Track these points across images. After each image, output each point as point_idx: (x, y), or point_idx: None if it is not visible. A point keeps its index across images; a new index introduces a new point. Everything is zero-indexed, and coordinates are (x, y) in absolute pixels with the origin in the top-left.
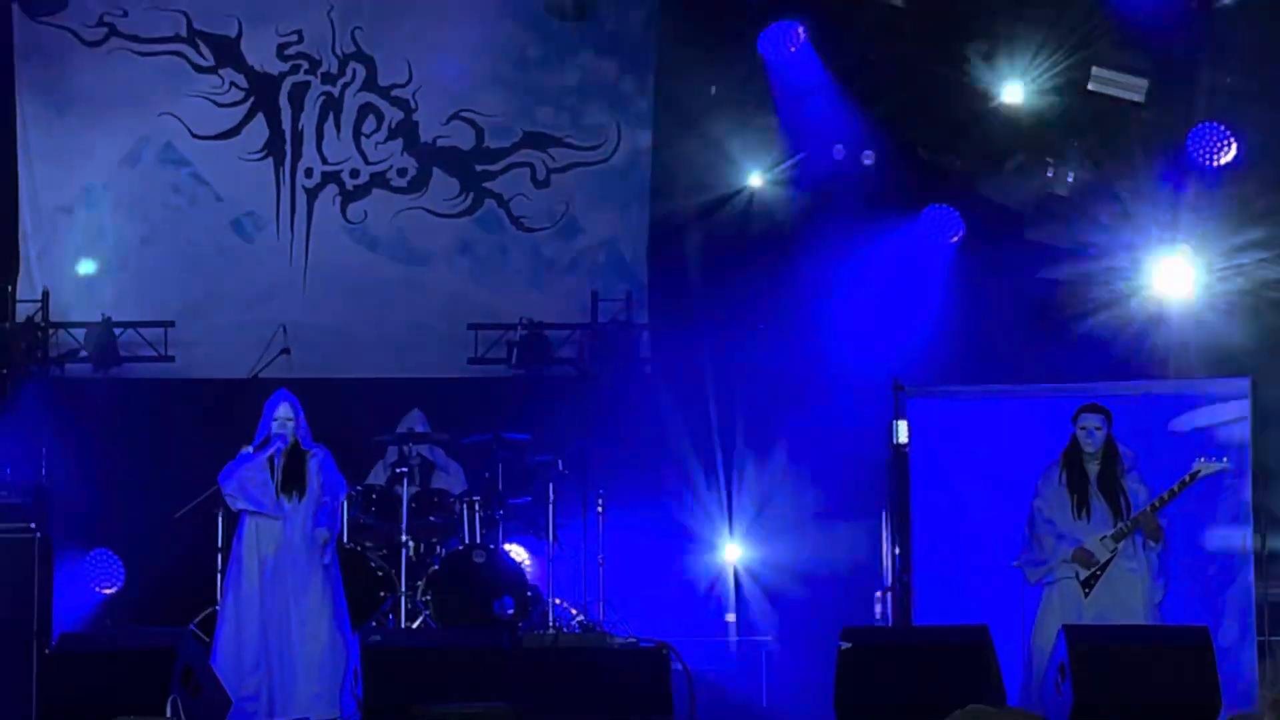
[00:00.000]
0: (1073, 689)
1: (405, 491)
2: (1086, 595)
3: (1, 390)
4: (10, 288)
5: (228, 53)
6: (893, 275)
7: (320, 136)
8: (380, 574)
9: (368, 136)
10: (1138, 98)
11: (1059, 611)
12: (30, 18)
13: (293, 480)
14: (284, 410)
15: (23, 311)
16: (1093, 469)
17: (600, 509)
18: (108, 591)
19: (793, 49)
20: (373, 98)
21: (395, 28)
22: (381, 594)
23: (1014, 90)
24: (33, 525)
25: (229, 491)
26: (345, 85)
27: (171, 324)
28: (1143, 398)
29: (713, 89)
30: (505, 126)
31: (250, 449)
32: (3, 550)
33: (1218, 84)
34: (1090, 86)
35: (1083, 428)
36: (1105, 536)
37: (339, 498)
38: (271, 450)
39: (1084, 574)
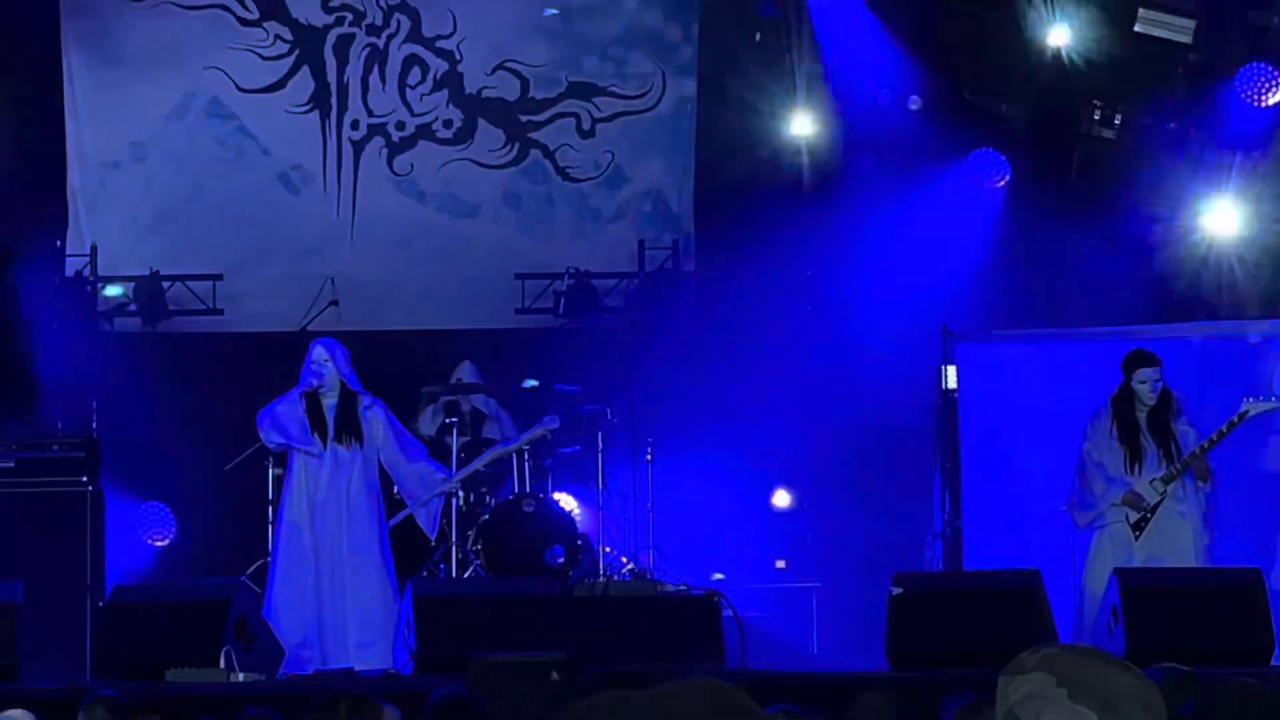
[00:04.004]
0: (1125, 632)
1: (455, 442)
2: (1137, 538)
3: (52, 345)
4: (59, 242)
5: (272, 6)
6: (940, 220)
7: (365, 89)
8: None
9: (413, 88)
10: (1185, 39)
11: (1109, 555)
12: None
13: (347, 426)
14: (319, 353)
15: (71, 266)
16: (1142, 415)
17: (649, 457)
18: (160, 544)
19: None
20: (417, 49)
21: None
22: (432, 544)
23: (1060, 32)
24: (85, 479)
25: (264, 426)
26: (390, 37)
27: (220, 277)
28: (1191, 340)
29: (757, 35)
30: (550, 76)
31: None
32: (56, 504)
33: (1266, 24)
34: (1137, 28)
35: (1142, 382)
36: (1155, 479)
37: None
38: (304, 386)
39: (1134, 517)
